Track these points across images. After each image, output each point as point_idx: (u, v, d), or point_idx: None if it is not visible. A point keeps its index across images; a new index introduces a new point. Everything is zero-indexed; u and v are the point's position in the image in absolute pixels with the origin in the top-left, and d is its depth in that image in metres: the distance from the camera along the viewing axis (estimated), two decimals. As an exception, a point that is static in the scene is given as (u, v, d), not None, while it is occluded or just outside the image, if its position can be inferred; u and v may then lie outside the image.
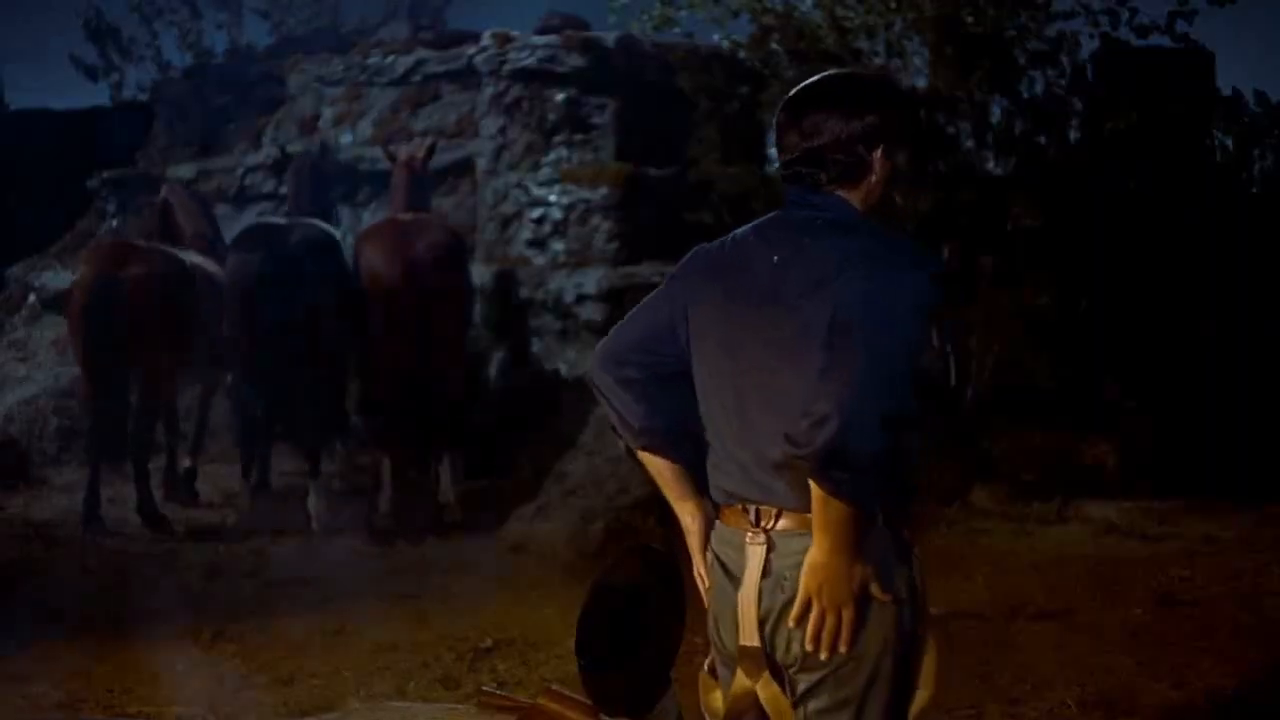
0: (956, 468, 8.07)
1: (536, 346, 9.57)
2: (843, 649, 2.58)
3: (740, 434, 2.69)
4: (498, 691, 3.42)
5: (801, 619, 2.59)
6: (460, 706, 4.73)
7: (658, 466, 2.81)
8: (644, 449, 2.80)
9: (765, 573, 2.65)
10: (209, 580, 7.16)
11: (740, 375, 2.68)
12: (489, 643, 5.88)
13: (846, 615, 2.56)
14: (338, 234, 9.13)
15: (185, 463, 9.11)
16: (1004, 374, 8.46)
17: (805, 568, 2.58)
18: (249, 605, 6.60)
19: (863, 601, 2.59)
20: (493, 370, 9.52)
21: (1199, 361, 8.30)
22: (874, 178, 2.68)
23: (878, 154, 2.67)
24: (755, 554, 2.65)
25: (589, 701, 2.76)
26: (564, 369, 9.36)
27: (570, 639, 2.71)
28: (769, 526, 2.66)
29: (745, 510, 2.69)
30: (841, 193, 2.68)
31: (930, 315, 2.63)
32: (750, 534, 2.67)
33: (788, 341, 2.60)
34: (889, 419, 2.48)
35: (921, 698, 2.69)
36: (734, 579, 2.69)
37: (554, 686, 2.88)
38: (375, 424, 8.49)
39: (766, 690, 2.66)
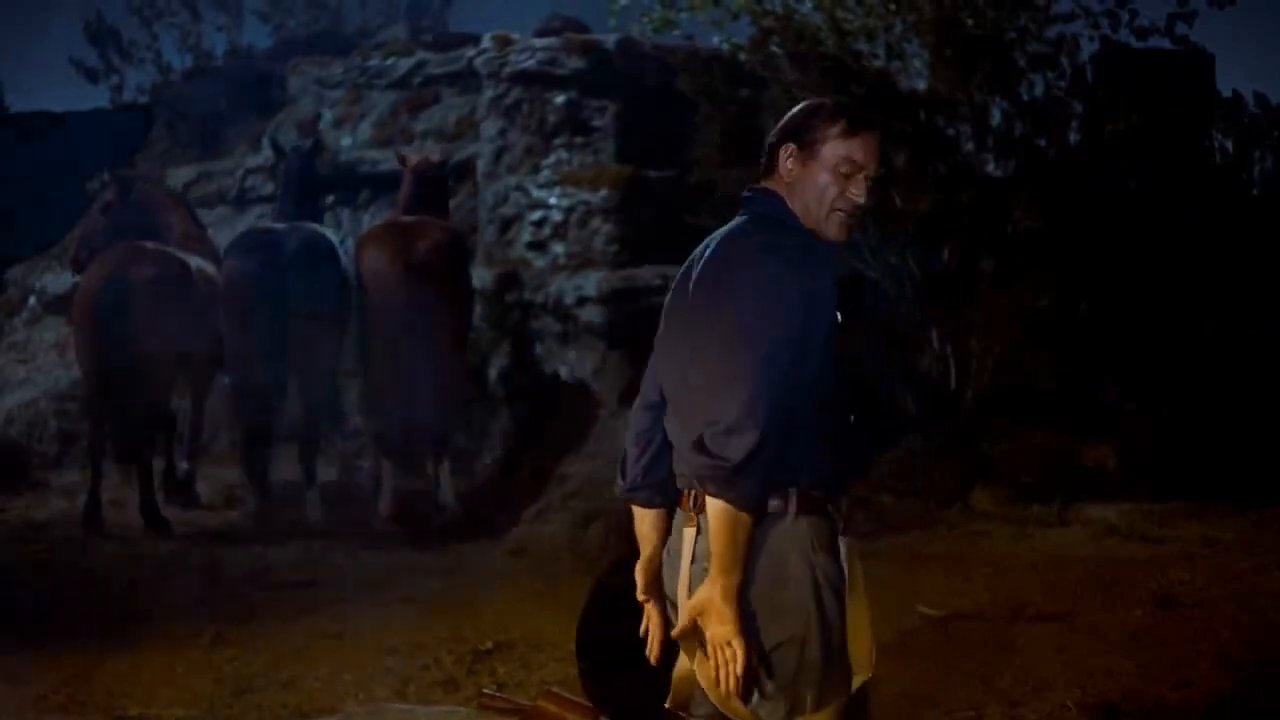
0: (956, 469, 8.06)
1: (536, 349, 9.57)
2: (737, 696, 2.67)
3: (671, 420, 2.82)
4: (498, 694, 3.42)
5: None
6: (461, 709, 4.75)
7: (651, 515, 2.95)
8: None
9: (694, 557, 2.76)
10: (209, 582, 7.16)
11: (665, 365, 2.87)
12: (489, 645, 5.88)
13: (737, 649, 2.65)
14: (335, 238, 9.08)
15: (183, 464, 9.12)
16: (1004, 375, 8.45)
17: (690, 606, 2.69)
18: (249, 607, 6.61)
19: (761, 617, 2.69)
20: (493, 372, 9.52)
21: (1199, 362, 8.28)
22: (779, 172, 2.87)
23: (782, 151, 2.87)
24: (688, 537, 2.78)
25: (589, 704, 2.76)
26: (564, 371, 9.36)
27: (571, 641, 2.72)
28: (699, 509, 2.76)
29: (687, 493, 2.82)
30: (767, 184, 2.89)
31: (783, 289, 2.72)
32: (687, 517, 2.80)
33: (685, 333, 2.79)
34: (776, 405, 2.64)
35: (858, 680, 2.79)
36: (675, 564, 2.82)
37: (554, 689, 2.89)
38: (376, 426, 8.49)
39: (703, 670, 2.73)
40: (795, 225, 2.84)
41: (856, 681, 2.78)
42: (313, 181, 9.52)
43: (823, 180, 2.82)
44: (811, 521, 2.76)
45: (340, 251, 8.84)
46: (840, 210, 2.82)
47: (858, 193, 2.82)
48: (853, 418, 2.86)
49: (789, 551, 2.72)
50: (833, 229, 2.84)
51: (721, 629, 2.62)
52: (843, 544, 2.80)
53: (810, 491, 2.75)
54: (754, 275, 2.72)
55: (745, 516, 2.63)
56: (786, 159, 2.85)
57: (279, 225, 9.05)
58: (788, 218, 2.84)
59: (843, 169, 2.81)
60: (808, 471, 2.75)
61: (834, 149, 2.82)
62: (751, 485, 2.62)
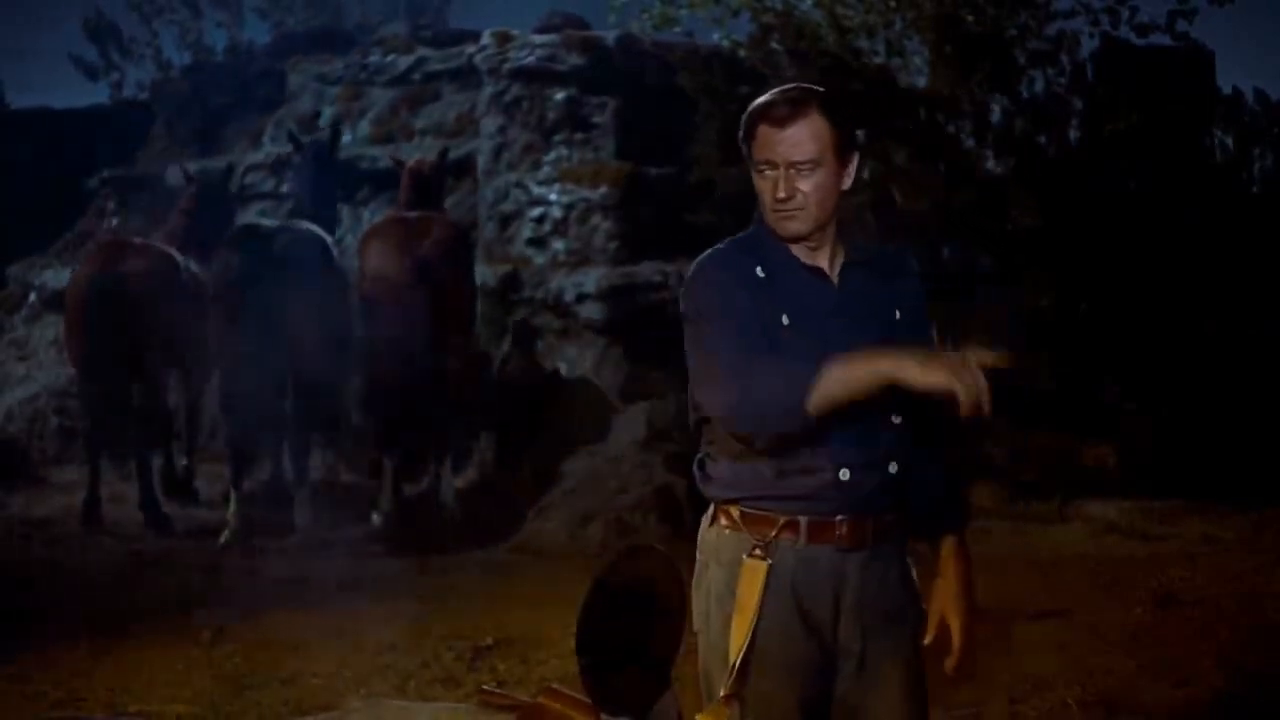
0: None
1: (536, 346, 9.56)
2: None
3: None
4: (498, 690, 3.42)
5: None
6: (460, 705, 4.73)
7: None
8: None
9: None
10: (209, 579, 7.16)
11: None
12: (489, 642, 5.88)
13: None
14: (329, 237, 8.89)
15: (182, 461, 9.11)
16: (1004, 374, 8.44)
17: None
18: (249, 604, 6.60)
19: None
20: (493, 369, 9.52)
21: (1199, 361, 8.28)
22: None
23: None
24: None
25: (589, 701, 2.76)
26: (564, 368, 9.36)
27: (570, 638, 2.71)
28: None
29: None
30: None
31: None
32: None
33: None
34: None
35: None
36: None
37: (554, 685, 2.88)
38: (378, 423, 8.47)
39: None
40: (762, 234, 2.86)
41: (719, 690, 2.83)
42: (331, 172, 9.31)
43: (756, 185, 2.84)
44: (719, 533, 2.88)
45: (334, 249, 8.76)
46: (773, 211, 2.80)
47: (772, 188, 2.77)
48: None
49: (706, 558, 2.92)
50: (778, 227, 2.81)
51: None
52: (752, 564, 2.81)
53: (726, 506, 2.86)
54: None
55: None
56: None
57: (269, 222, 8.96)
58: (759, 227, 2.87)
59: (758, 168, 2.82)
60: (732, 487, 2.85)
61: (750, 155, 2.86)
62: None
